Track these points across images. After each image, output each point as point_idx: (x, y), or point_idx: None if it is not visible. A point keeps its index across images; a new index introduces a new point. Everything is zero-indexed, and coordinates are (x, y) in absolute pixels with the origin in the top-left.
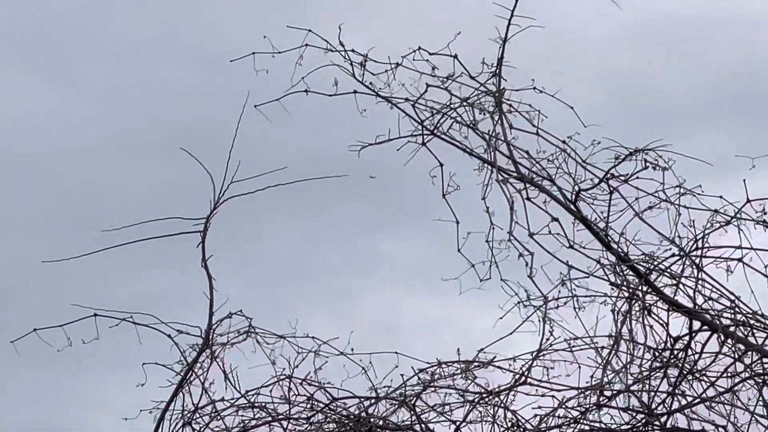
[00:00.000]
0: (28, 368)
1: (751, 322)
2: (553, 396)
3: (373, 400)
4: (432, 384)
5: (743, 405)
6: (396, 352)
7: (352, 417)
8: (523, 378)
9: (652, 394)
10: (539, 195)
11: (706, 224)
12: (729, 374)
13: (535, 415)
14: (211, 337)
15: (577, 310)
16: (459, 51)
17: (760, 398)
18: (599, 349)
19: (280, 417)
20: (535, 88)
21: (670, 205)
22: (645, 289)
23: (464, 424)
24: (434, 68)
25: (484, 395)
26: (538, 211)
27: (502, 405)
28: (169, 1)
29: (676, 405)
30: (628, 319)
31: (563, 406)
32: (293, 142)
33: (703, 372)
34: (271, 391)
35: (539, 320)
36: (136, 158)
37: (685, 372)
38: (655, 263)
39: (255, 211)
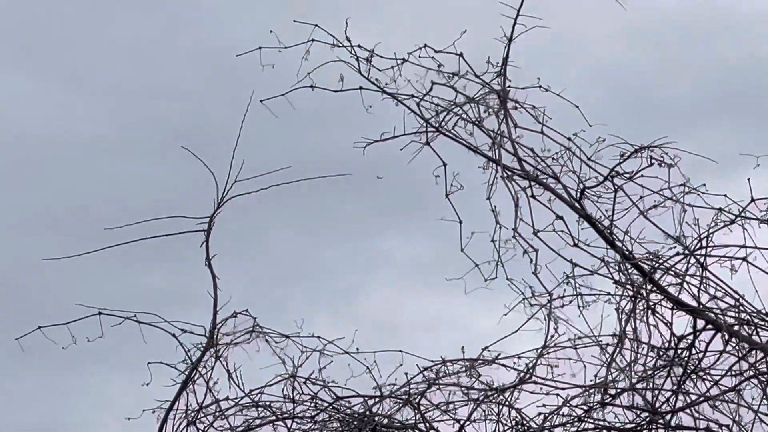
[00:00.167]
0: (32, 366)
1: (756, 320)
2: (557, 394)
3: (377, 399)
4: (436, 382)
5: (747, 404)
6: (401, 351)
7: (356, 416)
8: (528, 375)
9: (657, 392)
10: (544, 193)
11: (710, 223)
12: (733, 373)
13: (539, 414)
14: (215, 336)
15: (581, 308)
16: (464, 49)
17: (764, 397)
18: (604, 347)
19: (285, 416)
20: (540, 86)
21: (674, 204)
22: (649, 287)
23: (468, 422)
24: (440, 66)
25: (489, 393)
26: (542, 209)
27: (507, 403)
28: None
29: (680, 404)
30: (632, 318)
31: (567, 405)
32: (297, 141)
33: (707, 371)
34: (282, 390)
35: (544, 318)
36: (140, 157)
37: (689, 371)
38: (660, 262)
39: (258, 210)
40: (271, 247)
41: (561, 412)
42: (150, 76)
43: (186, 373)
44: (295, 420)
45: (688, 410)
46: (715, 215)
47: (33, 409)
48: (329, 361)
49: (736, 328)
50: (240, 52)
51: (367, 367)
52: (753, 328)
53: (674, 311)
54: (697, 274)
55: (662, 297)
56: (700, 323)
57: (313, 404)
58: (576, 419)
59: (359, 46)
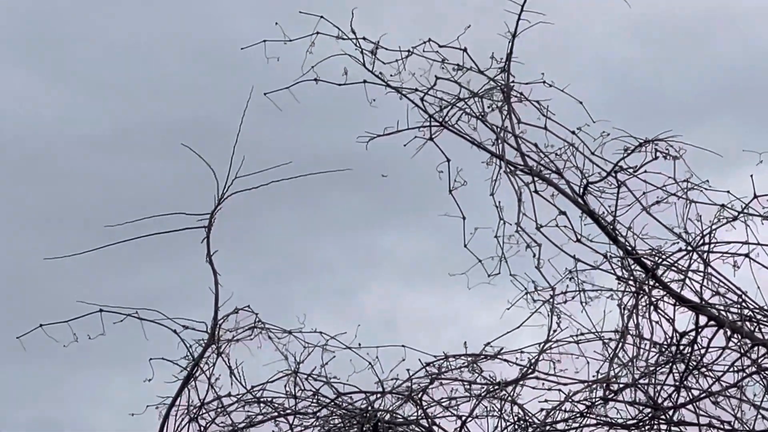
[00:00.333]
0: (33, 364)
1: (758, 317)
2: (559, 390)
3: (379, 395)
4: (439, 377)
5: (749, 400)
6: (403, 346)
7: (358, 412)
8: (531, 371)
9: (659, 388)
10: (547, 188)
11: (713, 219)
12: (735, 369)
13: (542, 410)
14: (216, 332)
15: (584, 304)
16: (468, 44)
17: (767, 393)
18: (606, 342)
19: (287, 412)
20: (544, 82)
21: (677, 200)
22: (652, 283)
23: (470, 418)
24: (444, 60)
25: (491, 388)
26: (545, 205)
27: (509, 399)
28: None
29: (682, 399)
30: (634, 314)
31: (570, 400)
32: (298, 136)
33: (710, 367)
34: (285, 386)
35: (547, 313)
36: (140, 154)
37: (691, 367)
38: (662, 258)
39: (258, 206)
40: (272, 243)
41: (563, 408)
42: (151, 71)
43: (188, 369)
44: (297, 416)
45: (690, 406)
46: (718, 211)
47: (35, 406)
48: (332, 357)
49: (738, 324)
50: (244, 45)
51: (370, 363)
52: (755, 324)
53: (677, 307)
54: (700, 270)
55: (665, 293)
56: (703, 319)
57: (315, 400)
58: (578, 415)
59: (364, 38)
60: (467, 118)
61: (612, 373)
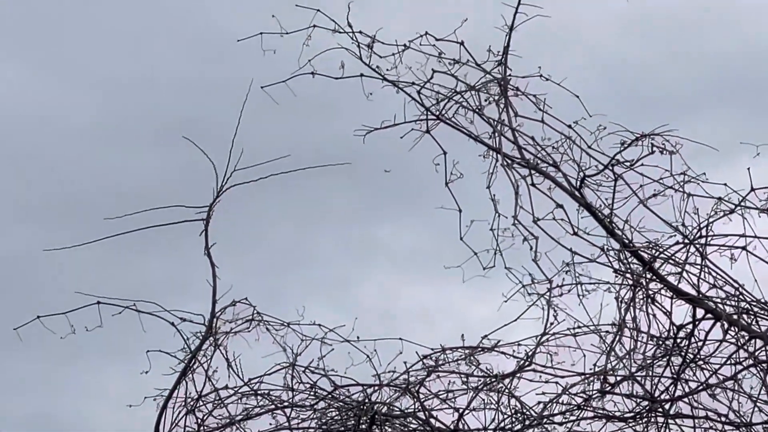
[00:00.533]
0: (30, 356)
1: (755, 309)
2: (556, 382)
3: (376, 388)
4: (436, 370)
5: (746, 392)
6: (400, 339)
7: (355, 404)
8: (528, 363)
9: (656, 381)
10: (544, 181)
11: (710, 212)
12: (732, 362)
13: (539, 402)
14: (214, 324)
15: (581, 297)
16: (465, 38)
17: (764, 386)
18: (603, 335)
19: (284, 405)
20: (541, 75)
21: (674, 193)
22: (649, 276)
23: (468, 411)
24: (441, 53)
25: (488, 380)
26: (542, 198)
27: (506, 391)
28: None
29: (679, 392)
30: (631, 307)
31: (567, 393)
32: (296, 129)
33: (707, 359)
34: (283, 378)
35: (544, 306)
36: (139, 146)
37: (688, 360)
38: (660, 251)
39: (256, 199)
40: (270, 236)
41: (560, 400)
42: (149, 63)
43: (185, 361)
44: (295, 408)
45: (687, 399)
46: (715, 204)
47: (31, 398)
48: (330, 350)
49: (735, 317)
50: (240, 37)
51: (368, 356)
52: (752, 317)
53: (674, 300)
54: (697, 263)
55: (662, 286)
56: (700, 312)
57: (312, 393)
58: (575, 407)
59: (360, 32)
60: (464, 111)
61: (609, 365)
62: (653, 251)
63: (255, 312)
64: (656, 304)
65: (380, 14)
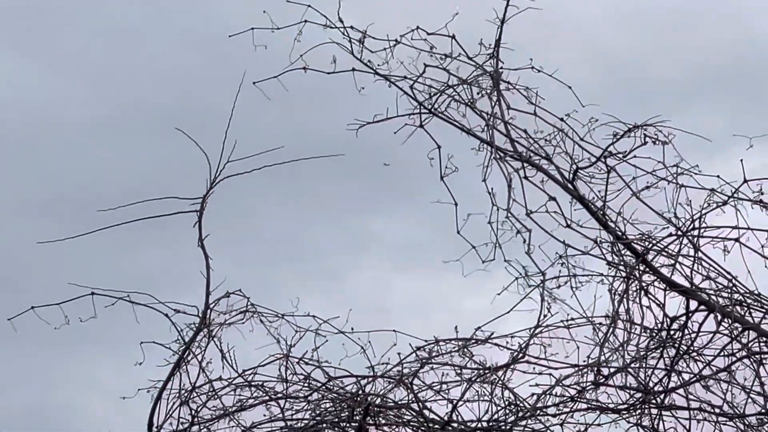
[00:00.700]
0: (24, 347)
1: (748, 301)
2: (550, 374)
3: (370, 379)
4: (430, 361)
5: (740, 384)
6: (394, 330)
7: (349, 396)
8: (521, 355)
9: (649, 372)
10: (537, 174)
11: (703, 204)
12: (726, 353)
13: (532, 394)
14: (208, 316)
15: (574, 289)
16: (457, 31)
17: (757, 377)
18: (597, 327)
19: (278, 396)
20: (533, 67)
21: (667, 185)
22: (642, 268)
23: (461, 402)
24: (432, 48)
25: (482, 372)
26: (535, 191)
27: (500, 383)
28: None
29: (672, 384)
30: (625, 299)
31: (560, 384)
32: (289, 121)
33: (700, 351)
34: (278, 369)
35: (538, 298)
36: (132, 138)
37: (681, 351)
38: (653, 242)
39: (249, 191)
40: (264, 228)
41: (554, 392)
42: (141, 57)
43: (179, 353)
44: (288, 400)
45: (680, 390)
46: (708, 196)
47: (25, 389)
48: (324, 341)
49: (728, 308)
50: (232, 32)
51: (361, 347)
52: (745, 308)
53: (667, 292)
54: (690, 254)
55: (655, 278)
56: (693, 304)
57: (306, 384)
58: (569, 399)
59: (352, 27)
60: (456, 105)
61: (602, 357)
62: (646, 243)
63: (249, 303)
64: (649, 295)
65: (371, 9)
